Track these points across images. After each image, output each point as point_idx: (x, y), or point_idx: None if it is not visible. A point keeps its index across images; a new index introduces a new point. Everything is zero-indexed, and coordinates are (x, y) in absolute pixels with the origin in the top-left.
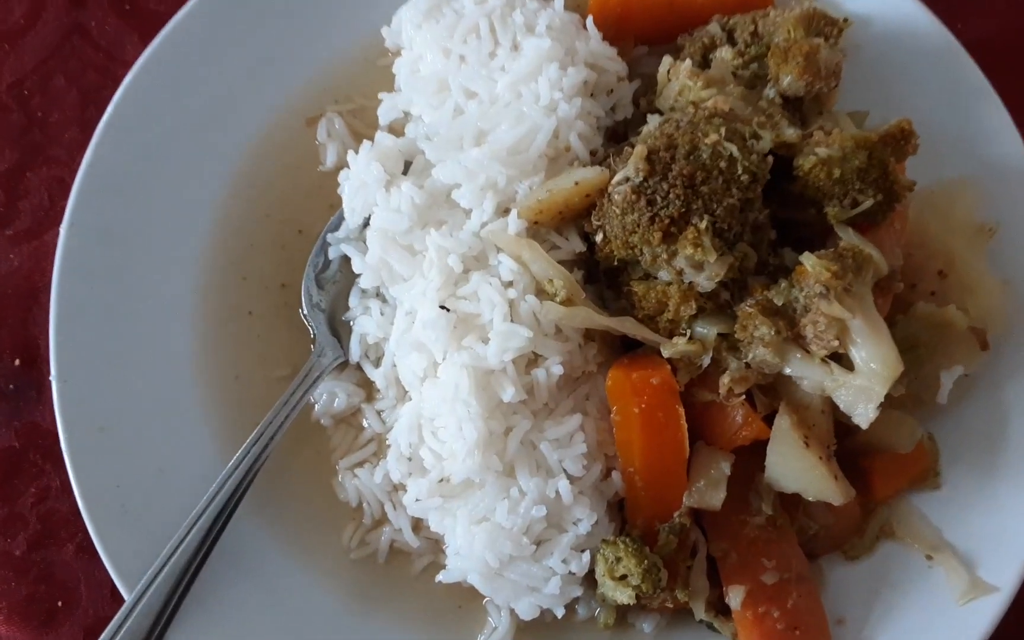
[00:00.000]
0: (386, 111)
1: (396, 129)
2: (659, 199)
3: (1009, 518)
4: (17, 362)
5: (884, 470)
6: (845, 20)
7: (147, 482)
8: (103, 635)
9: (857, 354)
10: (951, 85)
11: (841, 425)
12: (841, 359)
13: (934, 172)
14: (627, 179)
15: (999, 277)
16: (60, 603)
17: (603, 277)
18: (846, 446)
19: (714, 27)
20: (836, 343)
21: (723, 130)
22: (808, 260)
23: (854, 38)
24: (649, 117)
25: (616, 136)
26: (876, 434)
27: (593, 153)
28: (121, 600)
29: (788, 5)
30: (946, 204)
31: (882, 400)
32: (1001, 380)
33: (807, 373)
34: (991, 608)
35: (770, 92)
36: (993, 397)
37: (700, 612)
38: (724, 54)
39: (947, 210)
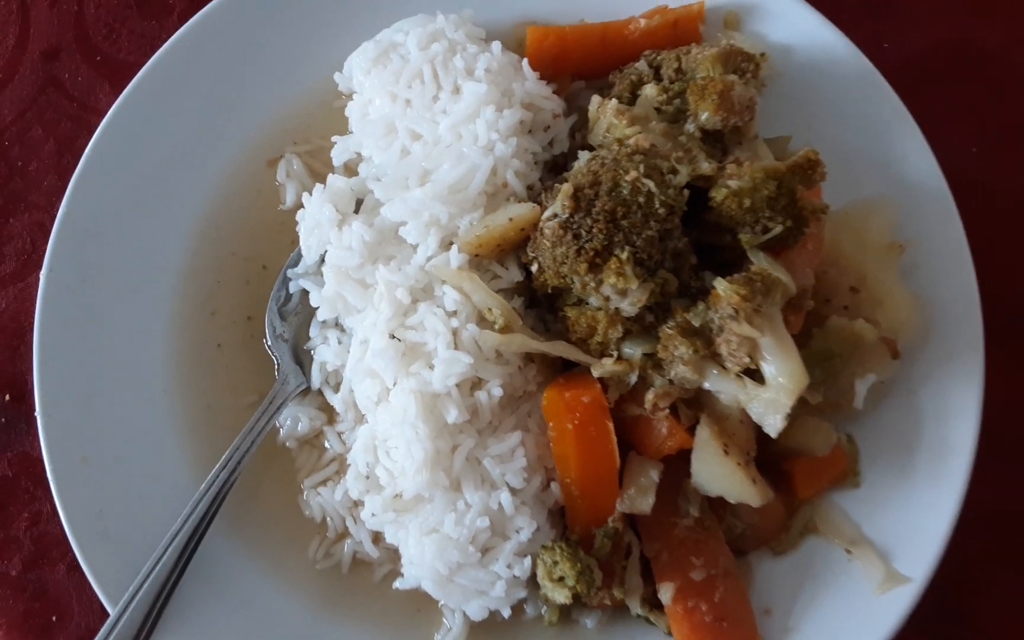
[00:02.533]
0: (339, 152)
1: (351, 168)
2: (584, 233)
3: (922, 514)
4: (7, 397)
5: (805, 472)
6: (762, 55)
7: (127, 506)
8: None
9: (767, 369)
10: (869, 109)
11: (765, 432)
12: (755, 374)
13: (852, 192)
14: (555, 215)
15: (911, 290)
16: (54, 618)
17: (543, 303)
18: (769, 451)
19: (642, 64)
20: (748, 360)
21: (642, 167)
22: (720, 285)
23: (778, 66)
24: (580, 154)
25: (556, 167)
26: (796, 439)
27: (530, 187)
28: (108, 615)
29: (713, 39)
30: (860, 223)
31: (789, 411)
32: (915, 386)
33: (723, 388)
34: (905, 597)
35: (690, 126)
36: (908, 402)
37: (636, 608)
38: (649, 91)
39: (860, 229)
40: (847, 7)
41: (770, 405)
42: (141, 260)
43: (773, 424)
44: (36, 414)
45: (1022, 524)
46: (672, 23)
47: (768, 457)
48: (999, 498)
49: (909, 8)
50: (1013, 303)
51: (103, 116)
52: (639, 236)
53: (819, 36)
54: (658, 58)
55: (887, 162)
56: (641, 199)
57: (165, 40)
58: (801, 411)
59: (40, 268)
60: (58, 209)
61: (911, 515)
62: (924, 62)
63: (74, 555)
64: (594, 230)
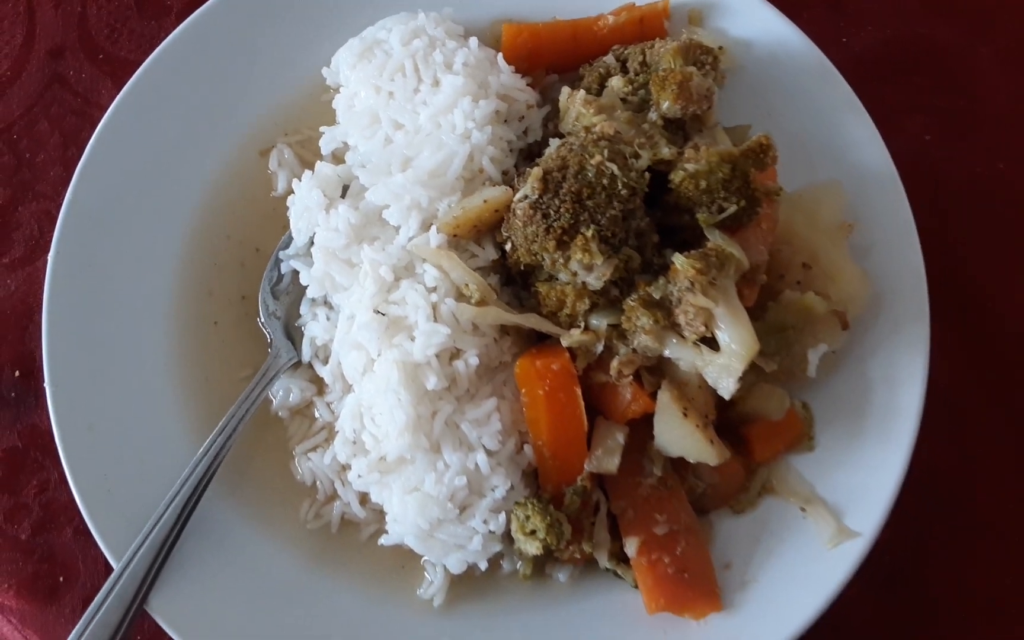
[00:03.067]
0: (327, 142)
1: (338, 156)
2: (552, 213)
3: (871, 474)
4: (17, 373)
5: (762, 435)
6: (720, 48)
7: (130, 470)
8: (96, 598)
9: (721, 337)
10: (823, 99)
11: (725, 399)
12: (711, 342)
13: (807, 176)
14: (526, 197)
15: (860, 266)
16: (61, 578)
17: (518, 280)
18: (729, 416)
19: (610, 58)
20: (703, 329)
21: (606, 152)
22: (678, 260)
23: (739, 60)
24: (551, 141)
25: (531, 154)
26: (752, 404)
27: (505, 172)
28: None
29: (678, 35)
30: (812, 205)
31: (740, 375)
32: (865, 355)
33: (682, 355)
34: (855, 551)
35: (653, 115)
36: (858, 370)
37: (603, 561)
38: (616, 82)
39: (812, 210)
40: (809, 4)
41: (723, 370)
42: (142, 244)
43: (726, 387)
44: (45, 386)
45: (964, 482)
46: (639, 20)
47: (728, 422)
48: (943, 459)
49: (867, 5)
50: (962, 280)
51: (106, 111)
52: (603, 215)
53: (777, 31)
54: (625, 52)
55: (840, 148)
56: (605, 181)
57: (164, 38)
58: (757, 379)
59: (47, 253)
60: (64, 198)
61: (861, 475)
62: (881, 55)
63: (80, 519)
64: (561, 210)
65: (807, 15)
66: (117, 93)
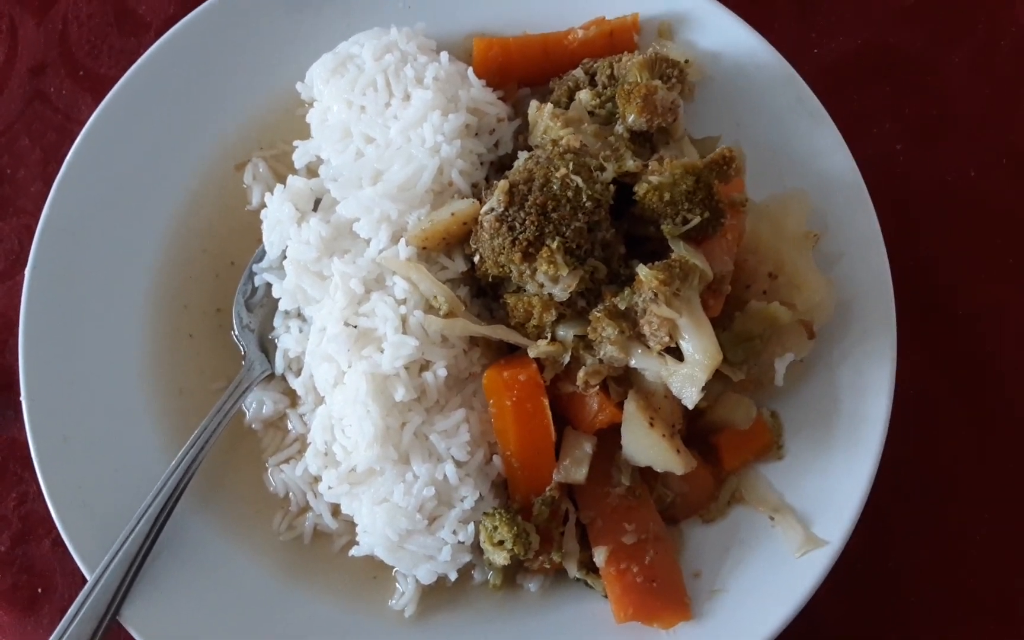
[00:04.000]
0: (301, 156)
1: (312, 170)
2: (518, 225)
3: (839, 483)
4: None
5: (730, 444)
6: (686, 62)
7: (104, 481)
8: (70, 610)
9: (685, 346)
10: (789, 109)
11: (694, 408)
12: (676, 352)
13: (776, 186)
14: (492, 209)
15: (826, 275)
16: (40, 590)
17: (489, 292)
18: (698, 426)
19: (579, 72)
20: (667, 339)
21: (571, 164)
22: (642, 271)
23: (708, 71)
24: (520, 154)
25: (503, 167)
26: (720, 414)
27: (475, 185)
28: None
29: (647, 48)
30: (778, 214)
31: (704, 384)
32: (834, 363)
33: (648, 365)
34: (822, 559)
35: (619, 128)
36: (827, 378)
37: (573, 571)
38: (584, 96)
39: (779, 219)
40: (779, 15)
41: (687, 380)
42: (118, 257)
43: (690, 396)
44: (20, 399)
45: (932, 483)
46: (608, 34)
47: (697, 432)
48: (911, 461)
49: (837, 15)
50: (931, 285)
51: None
52: (568, 227)
53: (745, 43)
54: (594, 66)
55: (807, 158)
56: (570, 194)
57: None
58: (725, 388)
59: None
60: None
61: (830, 482)
62: (851, 64)
63: (58, 532)
64: (527, 222)
65: (777, 26)
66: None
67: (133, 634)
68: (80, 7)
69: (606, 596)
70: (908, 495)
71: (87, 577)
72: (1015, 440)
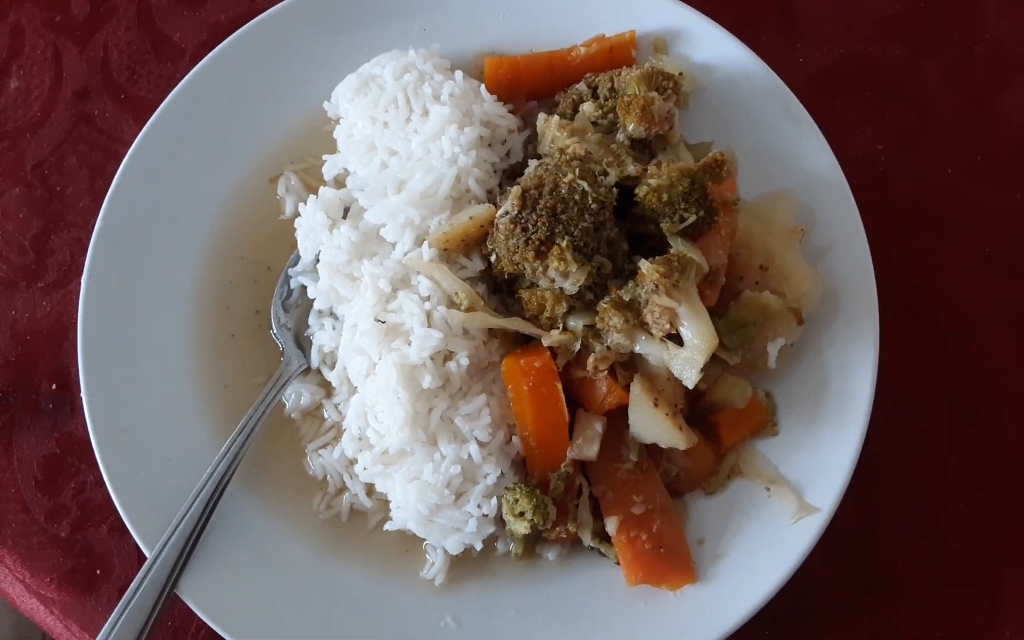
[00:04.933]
0: (329, 168)
1: (339, 181)
2: (530, 227)
3: (829, 455)
4: (54, 386)
5: (729, 422)
6: (680, 74)
7: (159, 468)
8: (132, 584)
9: (684, 333)
10: (777, 115)
11: (695, 390)
12: (676, 338)
13: (764, 186)
14: (507, 213)
15: (812, 267)
16: (98, 571)
17: (504, 288)
18: (699, 406)
19: (582, 85)
20: (668, 326)
21: (578, 170)
22: (644, 265)
23: (701, 82)
24: (530, 162)
25: (514, 174)
26: (719, 394)
27: (490, 191)
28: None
29: (644, 62)
30: (767, 212)
31: (702, 367)
32: (822, 347)
33: (651, 350)
34: (815, 524)
35: (620, 136)
36: (815, 361)
37: (587, 540)
38: (587, 108)
39: (768, 217)
40: (766, 29)
41: (687, 363)
42: (165, 265)
43: (690, 378)
44: (81, 396)
45: (912, 457)
46: (608, 50)
47: (698, 412)
48: (893, 438)
49: (820, 28)
50: (910, 278)
51: (129, 146)
52: (576, 227)
53: (735, 56)
54: (595, 80)
55: (793, 160)
56: (577, 197)
57: (179, 79)
58: (722, 371)
59: (79, 277)
60: (92, 226)
61: (820, 456)
62: (835, 73)
63: (114, 517)
64: (539, 224)
65: (764, 39)
66: (138, 129)
67: (190, 604)
68: (119, 35)
69: (618, 562)
70: (892, 472)
71: (147, 555)
72: (988, 420)
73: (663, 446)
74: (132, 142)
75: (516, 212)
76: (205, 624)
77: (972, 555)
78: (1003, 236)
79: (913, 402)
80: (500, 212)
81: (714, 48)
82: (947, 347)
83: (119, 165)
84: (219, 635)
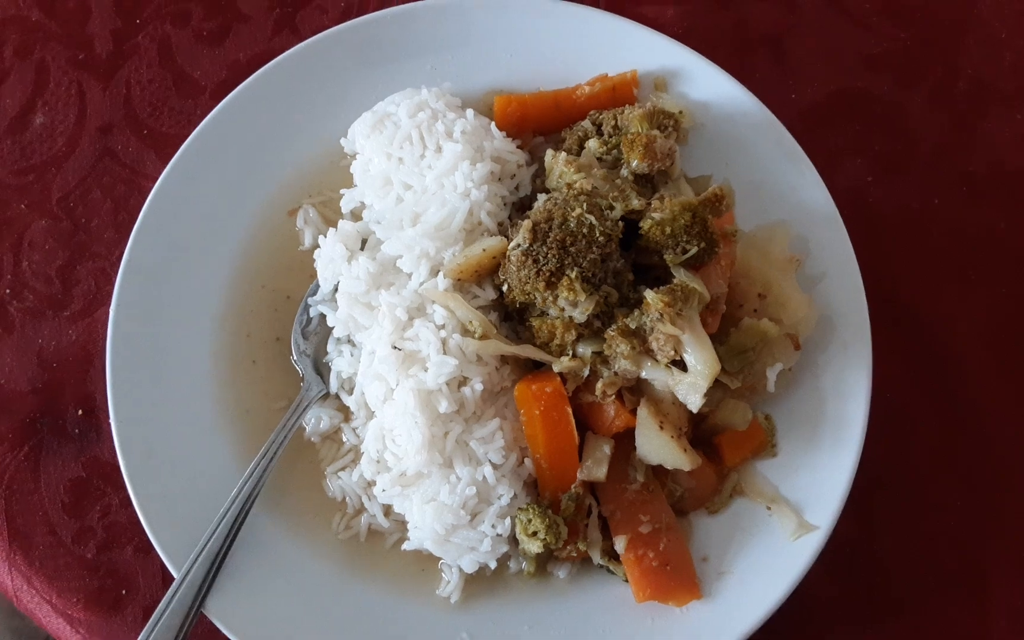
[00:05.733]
0: (347, 202)
1: (356, 214)
2: (541, 259)
3: (826, 475)
4: (80, 412)
5: (730, 444)
6: (680, 112)
7: (185, 491)
8: (160, 604)
9: (688, 359)
10: (771, 150)
11: (698, 413)
12: (680, 364)
13: (760, 218)
14: (518, 245)
15: (807, 294)
16: (124, 591)
17: (515, 316)
18: (702, 429)
19: (587, 123)
20: (673, 353)
21: (585, 205)
22: (649, 295)
23: (699, 119)
24: (538, 196)
25: (522, 207)
26: (721, 417)
27: (500, 224)
28: (169, 584)
29: (645, 99)
30: (764, 242)
31: (705, 391)
32: (819, 372)
33: (656, 376)
34: (814, 541)
35: (624, 172)
36: (813, 385)
37: (597, 558)
38: (592, 144)
39: (765, 247)
40: (759, 66)
41: (691, 387)
42: (189, 294)
43: (694, 402)
44: (108, 422)
45: (907, 473)
46: (611, 88)
47: (701, 434)
48: (888, 455)
49: (810, 65)
50: (900, 301)
51: (151, 179)
52: (584, 259)
53: (731, 94)
54: (600, 117)
55: (787, 192)
56: (585, 230)
57: (200, 115)
58: (724, 395)
59: (103, 306)
60: (116, 257)
61: (818, 475)
62: (825, 107)
63: (139, 539)
64: (549, 256)
65: (758, 76)
66: (161, 163)
67: (217, 623)
68: (141, 72)
69: (626, 580)
70: (887, 486)
71: (174, 575)
72: (978, 434)
73: (668, 467)
74: (155, 175)
75: (528, 245)
76: None
77: (964, 562)
78: (986, 256)
79: (905, 417)
80: (512, 244)
81: (711, 86)
82: (937, 364)
83: (142, 198)
84: None
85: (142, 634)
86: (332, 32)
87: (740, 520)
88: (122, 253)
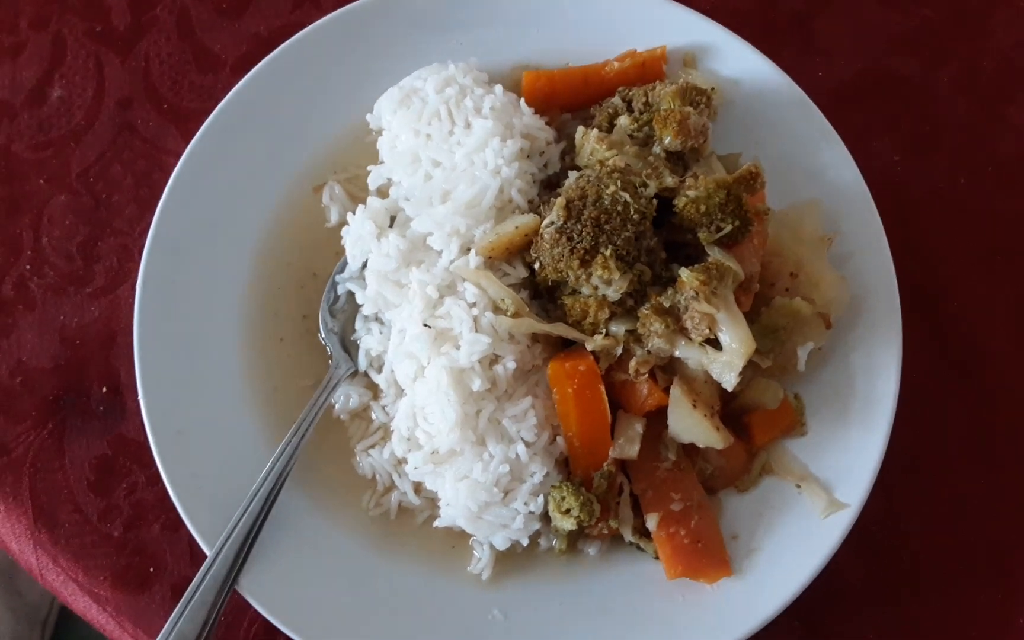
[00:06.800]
0: (374, 179)
1: (383, 192)
2: (575, 236)
3: (856, 454)
4: (104, 389)
5: (761, 423)
6: (713, 89)
7: (216, 469)
8: (194, 581)
9: (723, 338)
10: (802, 128)
11: (728, 392)
12: (714, 343)
13: (790, 196)
14: (552, 223)
15: (840, 273)
16: (152, 569)
17: (545, 294)
18: (732, 408)
19: (617, 99)
20: (707, 331)
21: (619, 182)
22: (684, 273)
23: (728, 96)
24: (569, 173)
25: (551, 184)
26: (751, 396)
27: (531, 202)
28: (198, 562)
29: (674, 76)
30: (796, 221)
31: (740, 370)
32: (848, 351)
33: (690, 354)
34: (844, 519)
35: (657, 149)
36: (842, 363)
37: (628, 535)
38: (623, 121)
39: (796, 226)
40: (788, 44)
41: (726, 366)
42: (215, 272)
43: (729, 381)
44: (132, 398)
45: (935, 456)
46: (641, 64)
47: (731, 413)
48: (917, 437)
49: (840, 44)
50: (929, 281)
51: (172, 154)
52: (619, 237)
53: (761, 70)
54: (630, 93)
55: (818, 170)
56: (619, 208)
57: (220, 90)
58: (755, 374)
59: (126, 282)
60: (138, 233)
61: (847, 454)
62: (853, 87)
63: (167, 516)
64: (583, 233)
65: (786, 53)
66: (181, 138)
67: (250, 600)
68: (160, 46)
69: (657, 557)
70: (914, 468)
71: (207, 552)
72: (1006, 418)
73: (700, 446)
74: (175, 151)
75: (562, 222)
76: (257, 619)
77: (989, 545)
78: (1014, 239)
79: (934, 400)
80: (546, 222)
81: (741, 63)
82: (964, 345)
83: (163, 173)
84: (273, 629)
85: (174, 612)
86: (356, 6)
87: (770, 498)
88: (144, 229)
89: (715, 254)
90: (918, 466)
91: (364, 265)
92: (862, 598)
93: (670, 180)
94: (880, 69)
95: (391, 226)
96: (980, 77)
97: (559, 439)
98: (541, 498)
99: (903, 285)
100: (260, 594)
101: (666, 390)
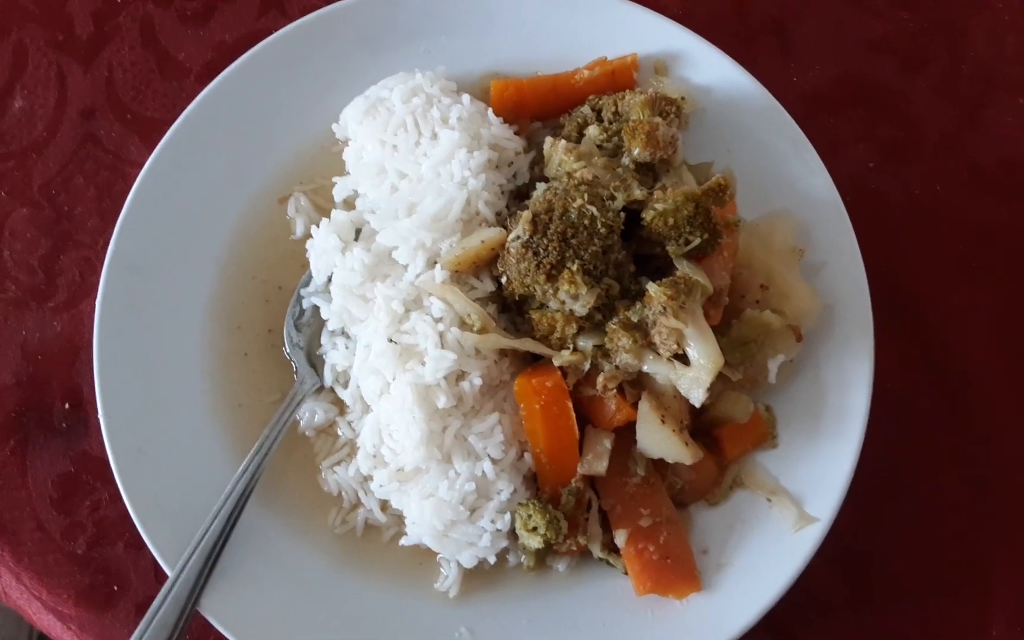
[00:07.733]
0: (339, 190)
1: (349, 203)
2: (541, 251)
3: (827, 467)
4: (67, 405)
5: (731, 436)
6: (682, 99)
7: (178, 487)
8: (154, 602)
9: (691, 353)
10: (774, 136)
11: (699, 405)
12: (683, 358)
13: (762, 206)
14: (518, 237)
15: (810, 285)
16: (115, 587)
17: (513, 307)
18: (702, 421)
19: (586, 108)
20: (675, 346)
21: (586, 195)
22: (651, 287)
23: (700, 104)
24: (537, 185)
25: (520, 195)
26: (722, 409)
27: (498, 213)
28: (162, 580)
29: (645, 84)
30: (767, 232)
31: (708, 386)
32: (820, 362)
33: (658, 370)
34: (814, 533)
35: (626, 160)
36: (813, 376)
37: (597, 552)
38: (592, 131)
39: (767, 237)
40: (762, 50)
41: (694, 382)
42: (177, 286)
43: (697, 396)
44: (96, 417)
45: (907, 467)
46: (611, 73)
47: (701, 426)
48: (889, 448)
49: (813, 49)
50: (903, 290)
51: (136, 165)
52: (586, 251)
53: (733, 78)
54: (599, 102)
55: (790, 180)
56: (586, 221)
57: (185, 98)
58: (725, 387)
59: (89, 296)
60: (101, 246)
61: (818, 468)
62: (827, 92)
63: (130, 534)
64: (549, 248)
65: (761, 60)
66: (146, 148)
67: (212, 621)
68: (124, 55)
69: (626, 573)
70: (889, 478)
71: (168, 573)
72: (980, 425)
73: (669, 461)
74: (139, 161)
75: (527, 237)
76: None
77: (965, 555)
78: (990, 247)
79: (907, 409)
80: (512, 236)
81: (713, 70)
82: (939, 354)
83: (127, 184)
84: None
85: (135, 634)
86: (322, 13)
87: (740, 512)
88: (107, 242)
89: (684, 268)
90: (892, 478)
91: (329, 279)
92: (835, 610)
93: (638, 192)
94: (856, 74)
95: (356, 239)
96: (958, 82)
97: (527, 455)
98: (508, 515)
99: (879, 293)
100: (223, 615)
101: (634, 405)
